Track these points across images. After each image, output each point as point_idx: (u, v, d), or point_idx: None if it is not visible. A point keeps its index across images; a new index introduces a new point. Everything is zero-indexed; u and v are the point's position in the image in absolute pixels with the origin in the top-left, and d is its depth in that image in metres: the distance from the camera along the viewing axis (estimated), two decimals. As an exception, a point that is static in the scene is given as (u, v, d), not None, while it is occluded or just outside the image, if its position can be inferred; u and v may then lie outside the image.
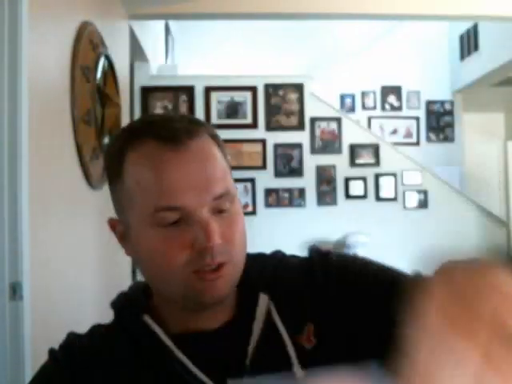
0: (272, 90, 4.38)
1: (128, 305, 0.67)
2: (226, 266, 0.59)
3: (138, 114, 4.23)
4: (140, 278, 0.69)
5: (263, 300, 0.64)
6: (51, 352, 0.64)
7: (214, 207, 0.59)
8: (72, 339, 0.65)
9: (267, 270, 0.68)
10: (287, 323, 0.63)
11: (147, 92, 4.27)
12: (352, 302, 0.63)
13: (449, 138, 6.17)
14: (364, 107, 6.19)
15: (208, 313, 0.63)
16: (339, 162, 4.45)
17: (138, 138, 0.60)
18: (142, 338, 0.62)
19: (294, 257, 0.73)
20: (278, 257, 0.72)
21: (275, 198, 4.32)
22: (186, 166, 0.58)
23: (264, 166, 4.33)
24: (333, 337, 0.62)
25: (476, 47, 5.76)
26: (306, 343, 0.62)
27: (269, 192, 4.30)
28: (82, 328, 0.68)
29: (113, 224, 0.67)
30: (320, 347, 0.62)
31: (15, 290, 1.49)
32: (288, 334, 0.62)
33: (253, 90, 4.36)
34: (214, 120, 4.28)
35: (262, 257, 0.72)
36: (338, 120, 4.48)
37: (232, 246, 0.60)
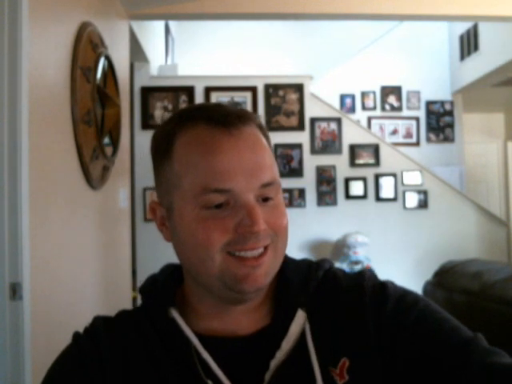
0: (272, 90, 4.38)
1: (156, 295, 0.65)
2: (267, 251, 0.58)
3: (138, 114, 4.23)
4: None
5: (300, 317, 0.62)
6: (76, 335, 0.64)
7: (260, 194, 0.58)
8: (97, 323, 0.65)
9: (311, 284, 0.65)
10: (321, 350, 0.60)
11: (147, 92, 4.27)
12: (402, 355, 0.59)
13: (449, 138, 6.17)
14: (364, 107, 6.19)
15: (240, 312, 0.62)
16: (339, 162, 4.45)
17: (190, 120, 0.60)
18: (168, 333, 0.62)
19: (342, 272, 0.69)
20: (324, 268, 0.68)
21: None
22: (238, 150, 0.58)
23: (264, 166, 4.33)
24: (368, 379, 0.59)
25: (476, 47, 5.76)
26: (337, 377, 0.58)
27: (269, 192, 4.30)
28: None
29: (153, 207, 0.65)
30: None
31: (15, 290, 1.49)
32: (318, 362, 0.59)
33: (253, 90, 4.36)
34: (214, 120, 4.26)
35: (307, 264, 0.69)
36: (338, 120, 4.48)
37: (276, 230, 0.59)
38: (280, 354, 0.59)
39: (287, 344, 0.60)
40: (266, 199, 0.59)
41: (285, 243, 0.62)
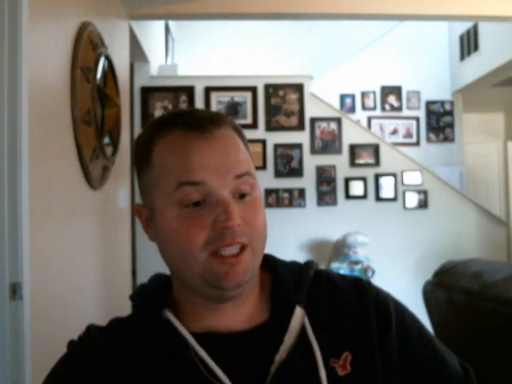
0: (272, 90, 4.38)
1: (149, 299, 0.67)
2: (246, 250, 0.60)
3: (138, 114, 4.23)
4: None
5: (299, 313, 0.64)
6: (71, 344, 0.64)
7: (235, 189, 0.60)
8: (92, 331, 0.65)
9: (305, 282, 0.67)
10: (322, 342, 0.62)
11: (147, 92, 4.27)
12: (400, 361, 0.64)
13: (449, 138, 6.17)
14: (364, 107, 6.18)
15: (231, 310, 0.64)
16: (339, 162, 4.45)
17: (166, 127, 0.63)
18: (163, 334, 0.62)
19: (335, 274, 0.72)
20: (313, 268, 0.71)
21: (275, 198, 4.32)
22: (210, 150, 0.60)
23: (264, 167, 4.33)
24: (369, 373, 0.62)
25: (476, 47, 5.76)
26: (339, 369, 0.61)
27: (269, 192, 4.31)
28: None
29: (138, 210, 0.67)
30: (354, 377, 0.61)
31: (15, 290, 1.49)
32: (321, 354, 0.61)
33: (253, 90, 4.35)
34: (214, 120, 4.26)
35: (297, 266, 0.71)
36: (338, 120, 4.48)
37: (252, 229, 0.61)
38: (283, 349, 0.61)
39: (289, 338, 0.62)
40: (242, 196, 0.61)
41: (263, 240, 0.63)
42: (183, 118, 0.63)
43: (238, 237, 0.59)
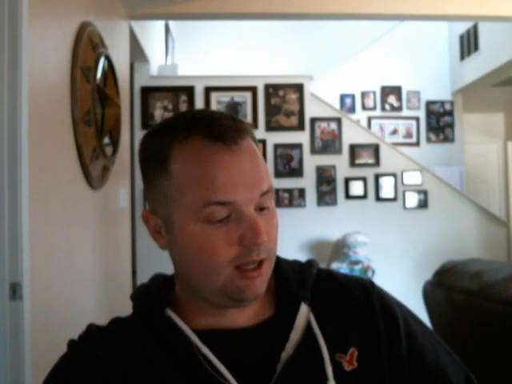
0: (272, 90, 4.38)
1: (150, 299, 0.66)
2: (265, 263, 0.61)
3: (138, 114, 4.23)
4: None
5: (304, 310, 0.65)
6: (71, 343, 0.64)
7: (258, 204, 0.60)
8: (92, 331, 0.64)
9: (308, 280, 0.68)
10: (328, 338, 0.63)
11: (147, 92, 4.27)
12: (408, 364, 0.65)
13: (449, 139, 6.17)
14: (364, 107, 6.18)
15: (236, 310, 0.64)
16: (339, 162, 4.45)
17: (186, 134, 0.60)
18: (166, 333, 0.62)
19: (339, 273, 0.73)
20: (315, 266, 0.71)
21: (275, 198, 4.31)
22: (239, 164, 0.59)
23: (264, 166, 4.32)
24: (376, 370, 0.63)
25: (476, 47, 5.76)
26: (346, 364, 0.62)
27: (269, 192, 4.30)
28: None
29: (146, 216, 0.65)
30: (361, 372, 0.62)
31: (15, 290, 1.49)
32: (328, 350, 0.62)
33: (253, 90, 4.35)
34: (214, 120, 4.26)
35: (300, 264, 0.72)
36: (338, 120, 4.48)
37: (271, 242, 0.61)
38: (289, 346, 0.61)
39: (295, 335, 0.62)
40: (262, 208, 0.61)
41: (276, 250, 0.64)
42: (205, 127, 0.60)
43: (262, 253, 0.59)
